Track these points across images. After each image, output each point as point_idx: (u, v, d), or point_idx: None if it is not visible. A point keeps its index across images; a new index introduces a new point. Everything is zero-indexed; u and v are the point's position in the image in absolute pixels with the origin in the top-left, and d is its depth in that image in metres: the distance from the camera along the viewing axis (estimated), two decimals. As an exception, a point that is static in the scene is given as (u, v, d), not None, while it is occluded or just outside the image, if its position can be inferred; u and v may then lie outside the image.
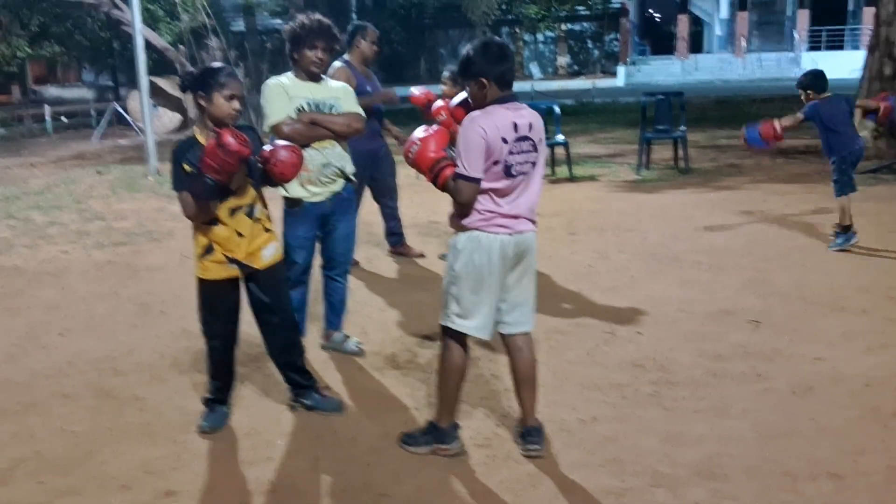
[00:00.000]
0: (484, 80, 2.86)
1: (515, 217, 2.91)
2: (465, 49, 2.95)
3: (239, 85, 3.14)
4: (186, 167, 3.07)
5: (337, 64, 5.24)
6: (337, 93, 3.92)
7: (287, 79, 3.85)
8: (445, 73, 5.71)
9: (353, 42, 5.45)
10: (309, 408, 3.50)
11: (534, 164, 2.91)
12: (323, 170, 3.82)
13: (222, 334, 3.35)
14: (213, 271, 3.21)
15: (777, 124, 5.63)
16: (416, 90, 5.23)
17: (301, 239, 3.91)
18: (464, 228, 2.92)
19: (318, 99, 3.82)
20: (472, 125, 2.81)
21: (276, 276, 3.37)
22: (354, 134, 3.96)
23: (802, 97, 5.81)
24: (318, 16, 3.84)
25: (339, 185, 3.93)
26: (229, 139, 2.91)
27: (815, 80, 5.81)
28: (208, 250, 3.19)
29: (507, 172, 2.83)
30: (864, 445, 3.04)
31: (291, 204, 3.87)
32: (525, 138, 2.86)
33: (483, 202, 2.87)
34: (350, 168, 3.97)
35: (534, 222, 3.00)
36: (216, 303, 3.29)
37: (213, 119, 3.13)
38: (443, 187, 2.92)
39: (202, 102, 3.12)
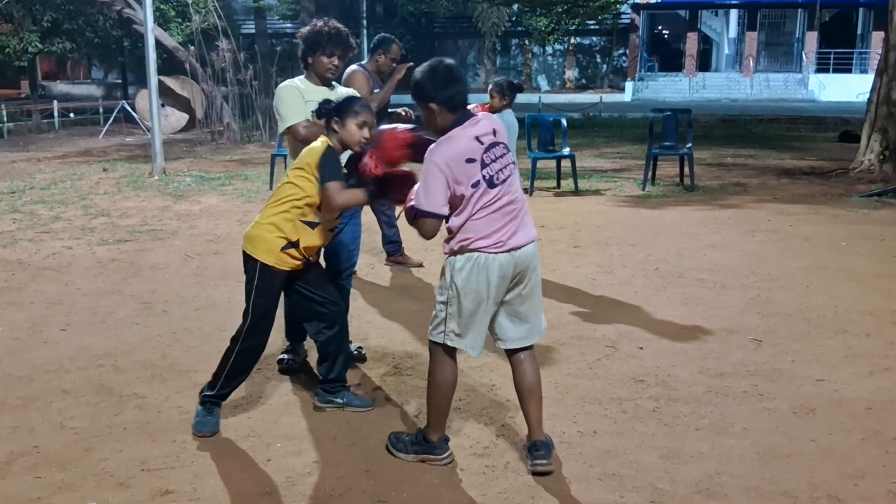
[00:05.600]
0: (433, 106, 2.83)
1: (511, 230, 2.87)
2: (415, 72, 2.92)
3: (371, 115, 3.28)
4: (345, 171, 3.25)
5: (354, 67, 5.27)
6: None
7: (300, 82, 3.86)
8: (490, 86, 5.68)
9: (376, 52, 5.48)
10: (341, 405, 3.56)
11: (512, 163, 2.90)
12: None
13: (264, 334, 3.37)
14: (287, 263, 3.29)
15: None
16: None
17: (307, 242, 3.91)
18: (462, 250, 2.88)
19: (330, 103, 3.83)
20: (430, 159, 2.80)
21: (322, 270, 3.62)
22: None
23: None
24: (335, 23, 3.85)
25: (347, 189, 3.93)
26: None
27: None
28: (293, 245, 3.26)
29: (490, 184, 2.82)
30: (865, 469, 3.03)
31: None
32: (494, 144, 2.85)
33: (479, 222, 2.82)
34: (359, 173, 3.97)
35: (533, 230, 2.97)
36: (274, 294, 3.34)
37: (342, 143, 3.26)
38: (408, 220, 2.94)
39: (335, 127, 3.25)
